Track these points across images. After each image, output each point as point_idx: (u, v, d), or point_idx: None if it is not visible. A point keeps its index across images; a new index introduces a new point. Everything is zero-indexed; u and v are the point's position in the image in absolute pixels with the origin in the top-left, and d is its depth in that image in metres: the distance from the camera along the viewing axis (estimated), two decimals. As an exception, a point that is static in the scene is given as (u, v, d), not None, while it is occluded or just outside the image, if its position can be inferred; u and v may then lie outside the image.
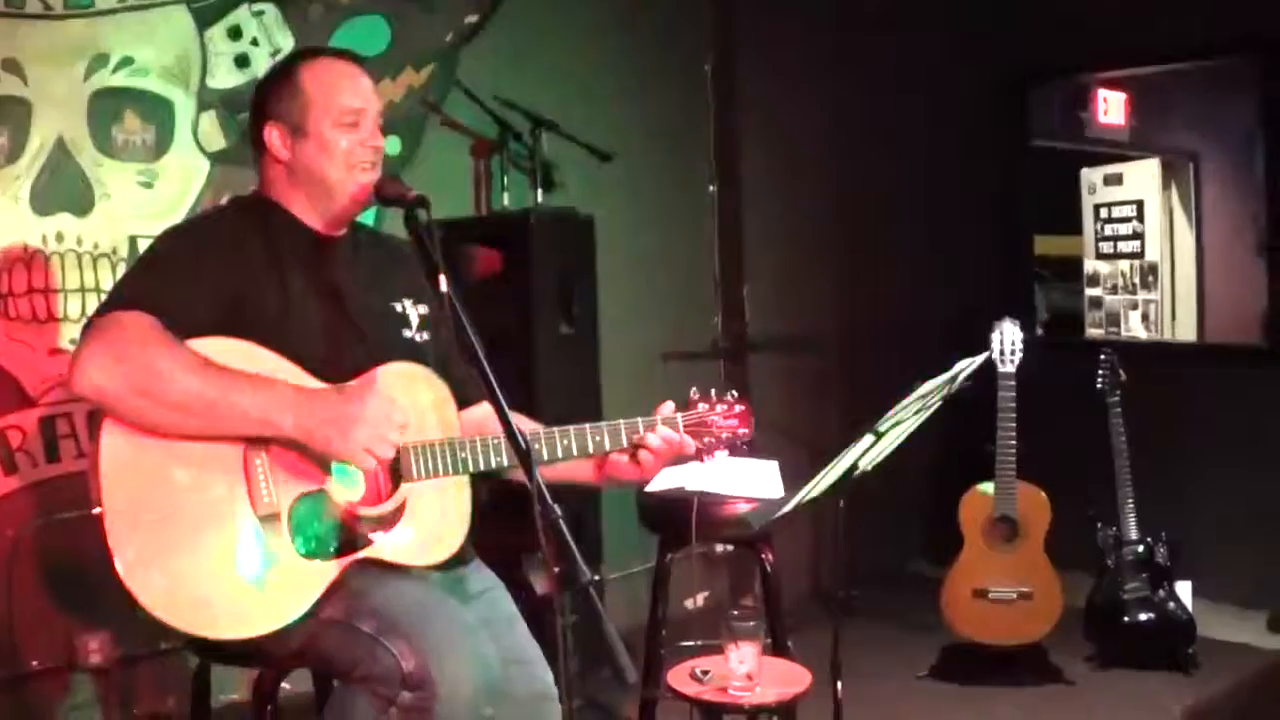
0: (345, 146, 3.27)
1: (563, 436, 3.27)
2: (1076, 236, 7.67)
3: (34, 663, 4.78)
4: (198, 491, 2.99)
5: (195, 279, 3.10)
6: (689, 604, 6.31)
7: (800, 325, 7.13)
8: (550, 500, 2.72)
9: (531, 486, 2.72)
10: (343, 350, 3.23)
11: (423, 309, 3.46)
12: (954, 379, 3.91)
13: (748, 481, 4.64)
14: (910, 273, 7.33)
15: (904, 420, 3.92)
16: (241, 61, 5.28)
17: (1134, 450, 5.71)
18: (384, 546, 3.14)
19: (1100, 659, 5.86)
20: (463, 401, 3.39)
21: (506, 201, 5.67)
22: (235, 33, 5.29)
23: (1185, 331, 7.29)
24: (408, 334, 3.41)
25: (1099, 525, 5.77)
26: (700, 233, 6.98)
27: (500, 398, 2.87)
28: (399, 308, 3.43)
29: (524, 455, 2.82)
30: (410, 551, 3.17)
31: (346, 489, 3.12)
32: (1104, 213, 7.52)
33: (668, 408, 3.37)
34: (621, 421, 3.32)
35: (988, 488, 5.72)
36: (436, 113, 5.73)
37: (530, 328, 5.18)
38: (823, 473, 3.92)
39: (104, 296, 3.31)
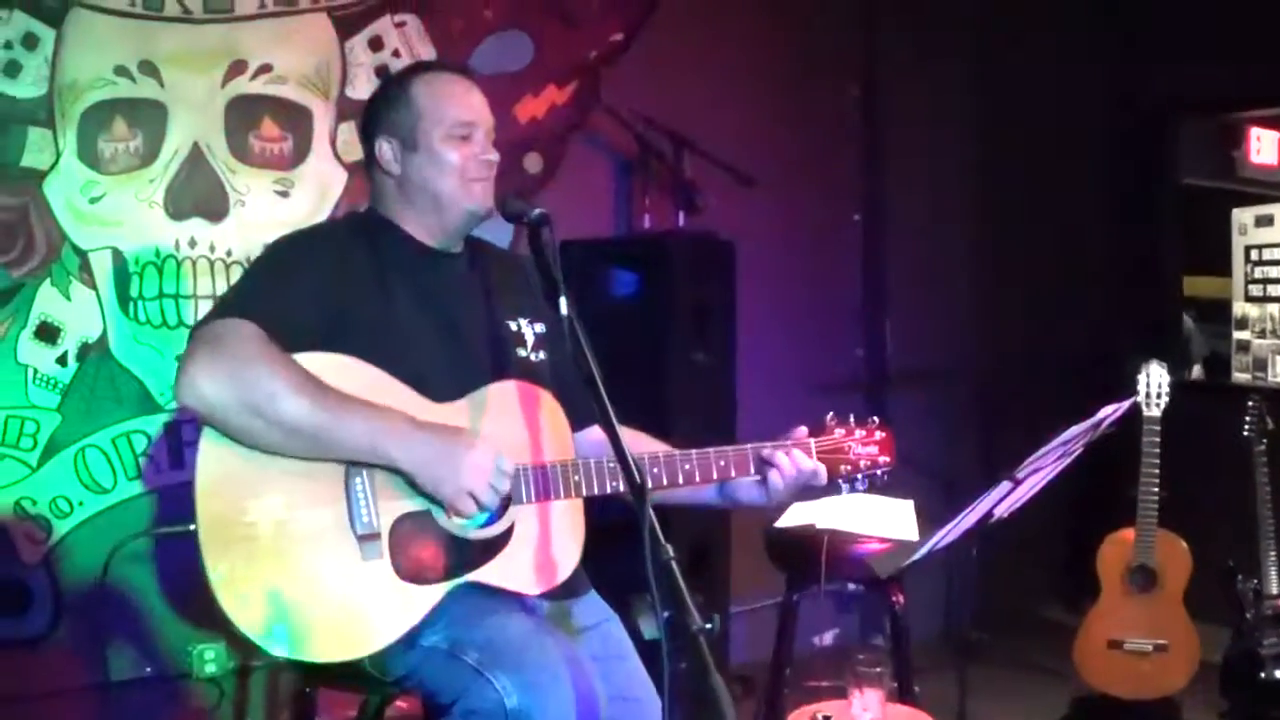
0: (457, 160, 3.13)
1: (684, 461, 3.08)
2: (1225, 278, 7.41)
3: (149, 669, 4.74)
4: (295, 509, 2.83)
5: (301, 290, 2.97)
6: (816, 641, 6.10)
7: (940, 360, 6.87)
8: (663, 539, 2.50)
9: (642, 523, 2.53)
10: (452, 368, 3.07)
11: (540, 327, 3.29)
12: (1097, 425, 3.63)
13: (881, 520, 4.43)
14: (1052, 309, 7.03)
15: (1043, 468, 3.64)
16: (382, 72, 5.13)
17: (1278, 501, 5.36)
18: (490, 572, 2.94)
19: (1236, 716, 5.47)
20: (581, 423, 3.22)
21: (647, 222, 5.54)
22: (376, 43, 5.18)
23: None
24: (522, 353, 3.23)
25: (1239, 577, 5.40)
26: (842, 262, 6.79)
27: (614, 423, 2.69)
28: (514, 326, 3.25)
29: (637, 488, 2.63)
30: (518, 578, 2.97)
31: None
32: (1255, 254, 7.24)
33: (800, 432, 3.18)
34: (749, 446, 3.13)
35: (1127, 534, 5.40)
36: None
37: (665, 353, 4.98)
38: (957, 519, 3.67)
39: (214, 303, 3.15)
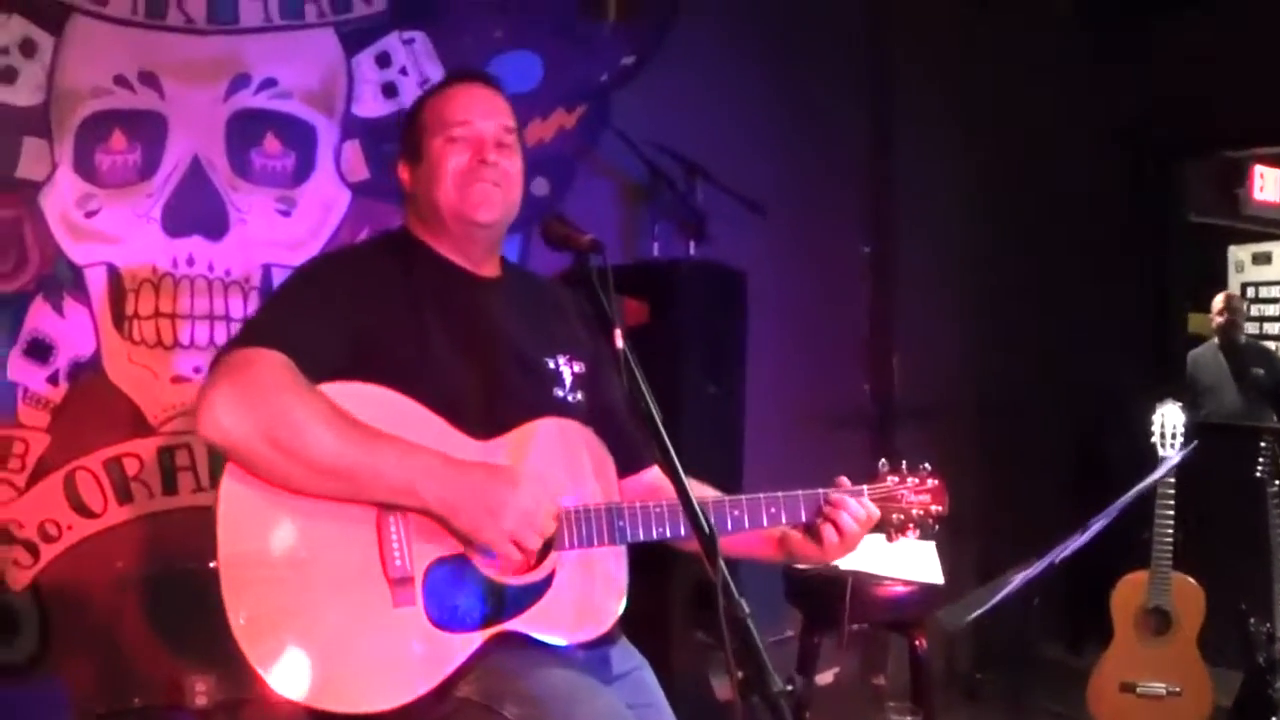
0: (454, 164, 2.91)
1: (734, 507, 2.87)
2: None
3: (137, 700, 4.54)
4: (324, 549, 2.60)
5: (332, 317, 2.74)
6: (817, 679, 5.89)
7: (946, 395, 6.75)
8: (737, 594, 2.28)
9: (716, 577, 2.33)
10: (489, 402, 2.84)
11: (579, 367, 3.05)
12: (1165, 474, 3.48)
13: (903, 563, 4.25)
14: (1060, 345, 6.93)
15: (1109, 515, 3.48)
16: (389, 90, 4.99)
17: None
18: (529, 621, 2.72)
19: (1245, 761, 5.41)
20: (625, 469, 3.02)
21: (656, 250, 5.37)
22: (384, 60, 5.01)
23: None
24: (559, 394, 3.00)
25: (1251, 620, 5.30)
26: (851, 294, 6.68)
27: (678, 466, 2.48)
28: (552, 364, 3.02)
29: (708, 541, 2.41)
30: (558, 628, 2.75)
31: (490, 554, 2.70)
32: (1251, 292, 7.12)
33: (843, 481, 2.98)
34: (800, 493, 2.92)
35: (1141, 576, 5.32)
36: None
37: (675, 385, 4.76)
38: (1026, 570, 3.48)
39: (235, 328, 2.91)
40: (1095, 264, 7.04)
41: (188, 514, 4.58)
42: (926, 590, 4.41)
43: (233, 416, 2.54)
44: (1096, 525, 3.54)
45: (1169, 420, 5.22)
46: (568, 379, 3.01)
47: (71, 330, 4.47)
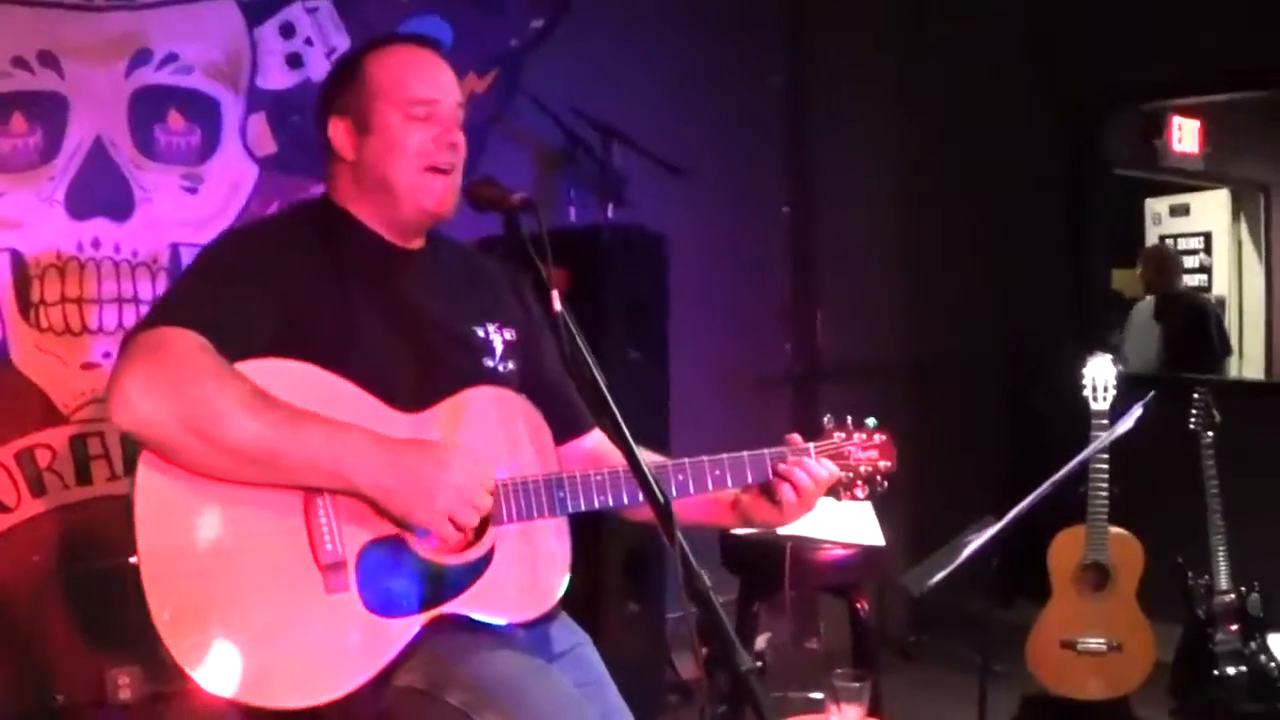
0: (415, 144, 2.72)
1: (677, 471, 2.73)
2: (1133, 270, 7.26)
3: (60, 697, 4.41)
4: (249, 537, 2.42)
5: (251, 292, 2.56)
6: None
7: (872, 352, 6.66)
8: (697, 568, 2.15)
9: (674, 549, 2.20)
10: (419, 375, 2.68)
11: (509, 334, 2.90)
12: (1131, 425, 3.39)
13: (842, 525, 4.13)
14: (984, 301, 6.82)
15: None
16: (294, 61, 4.85)
17: (1228, 494, 5.15)
18: (470, 601, 2.56)
19: (1186, 714, 5.28)
20: (561, 434, 2.87)
21: (573, 216, 5.27)
22: (288, 30, 4.86)
23: (1252, 369, 6.81)
24: (489, 363, 2.84)
25: (1189, 574, 5.21)
26: (772, 254, 6.59)
27: (625, 431, 2.36)
28: (481, 333, 2.86)
29: (662, 509, 2.28)
30: (501, 607, 2.60)
31: (426, 534, 2.55)
32: (1170, 244, 7.05)
33: (794, 439, 2.83)
34: (745, 454, 2.77)
35: (1078, 531, 5.18)
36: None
37: (598, 352, 4.60)
38: (983, 530, 3.36)
39: (146, 309, 2.71)
40: (1019, 219, 6.94)
41: (103, 503, 4.44)
42: (866, 552, 4.31)
43: (147, 402, 2.36)
44: (1057, 478, 3.42)
45: (1100, 373, 5.12)
46: (498, 347, 2.86)
47: None
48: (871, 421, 2.90)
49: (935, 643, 6.14)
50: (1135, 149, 6.96)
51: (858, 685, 3.46)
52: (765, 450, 2.78)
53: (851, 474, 2.85)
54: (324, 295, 2.63)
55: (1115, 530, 5.17)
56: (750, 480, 2.78)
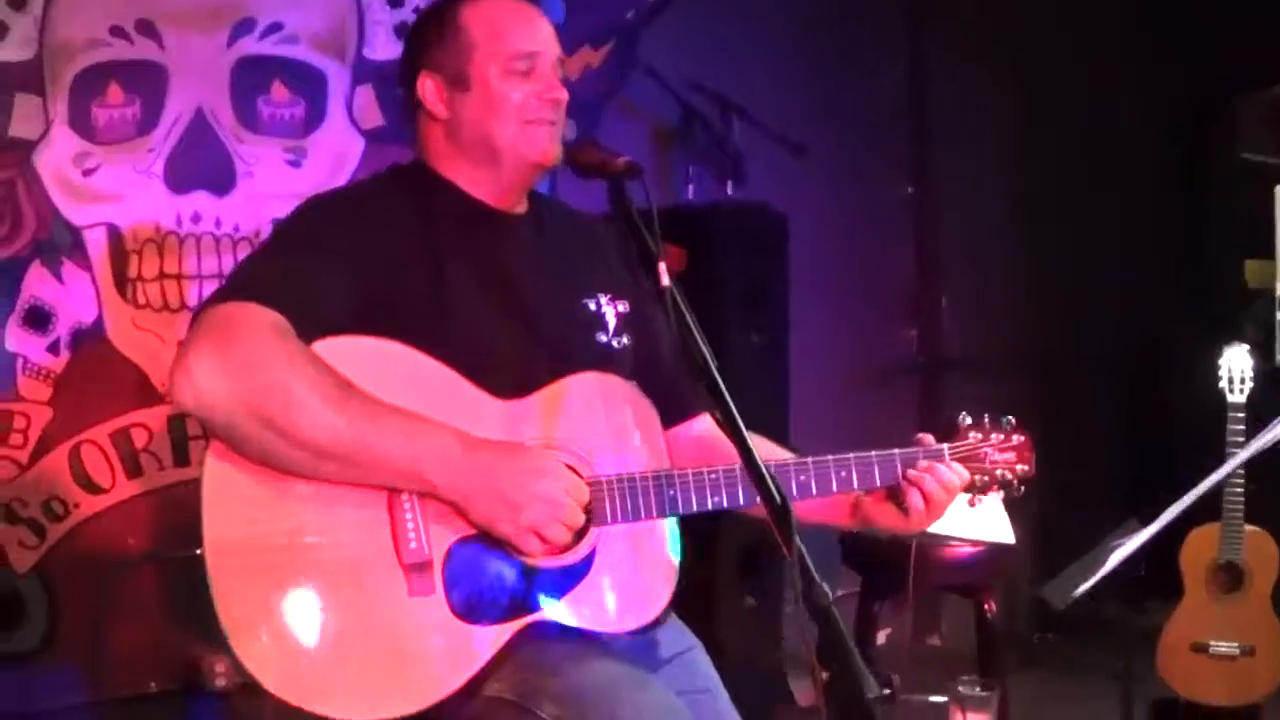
0: (517, 99, 2.50)
1: (799, 471, 2.48)
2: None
3: (152, 684, 4.31)
4: (326, 532, 2.21)
5: (333, 265, 2.35)
6: (869, 642, 5.64)
7: (998, 342, 6.52)
8: (819, 579, 1.90)
9: (792, 557, 1.93)
10: (518, 356, 2.46)
11: (622, 306, 2.66)
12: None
13: (971, 522, 3.88)
14: (1107, 293, 6.65)
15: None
16: (402, 31, 4.64)
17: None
18: (566, 609, 2.34)
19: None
20: (673, 418, 2.66)
21: (691, 194, 5.09)
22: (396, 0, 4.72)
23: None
24: (602, 339, 2.62)
25: (1324, 575, 5.09)
26: (895, 236, 6.44)
27: (740, 426, 2.14)
28: (592, 305, 2.63)
29: (781, 513, 2.03)
30: (600, 616, 2.37)
31: None
32: None
33: (927, 440, 2.60)
34: (874, 454, 2.53)
35: (1213, 530, 4.95)
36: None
37: (715, 336, 4.41)
38: (1131, 536, 3.10)
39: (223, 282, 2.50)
40: (1143, 209, 6.77)
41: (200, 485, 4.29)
42: (994, 551, 4.14)
43: (214, 385, 2.16)
44: (1215, 478, 3.19)
45: (1236, 364, 4.92)
46: (611, 321, 2.64)
47: (72, 296, 4.23)
48: (1009, 421, 2.67)
49: (1062, 644, 5.96)
50: (1265, 133, 6.66)
51: (985, 694, 3.24)
52: (895, 451, 2.54)
53: (987, 477, 2.63)
54: (415, 266, 2.43)
55: (1251, 529, 4.97)
56: (878, 483, 2.55)
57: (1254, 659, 4.93)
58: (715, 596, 4.41)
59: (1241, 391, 4.87)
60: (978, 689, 3.28)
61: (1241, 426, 4.86)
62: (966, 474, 2.58)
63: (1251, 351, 4.96)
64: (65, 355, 4.19)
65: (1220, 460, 4.80)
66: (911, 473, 2.52)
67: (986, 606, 4.13)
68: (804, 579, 1.94)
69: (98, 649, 4.21)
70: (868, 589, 4.23)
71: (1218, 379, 4.88)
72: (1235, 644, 4.93)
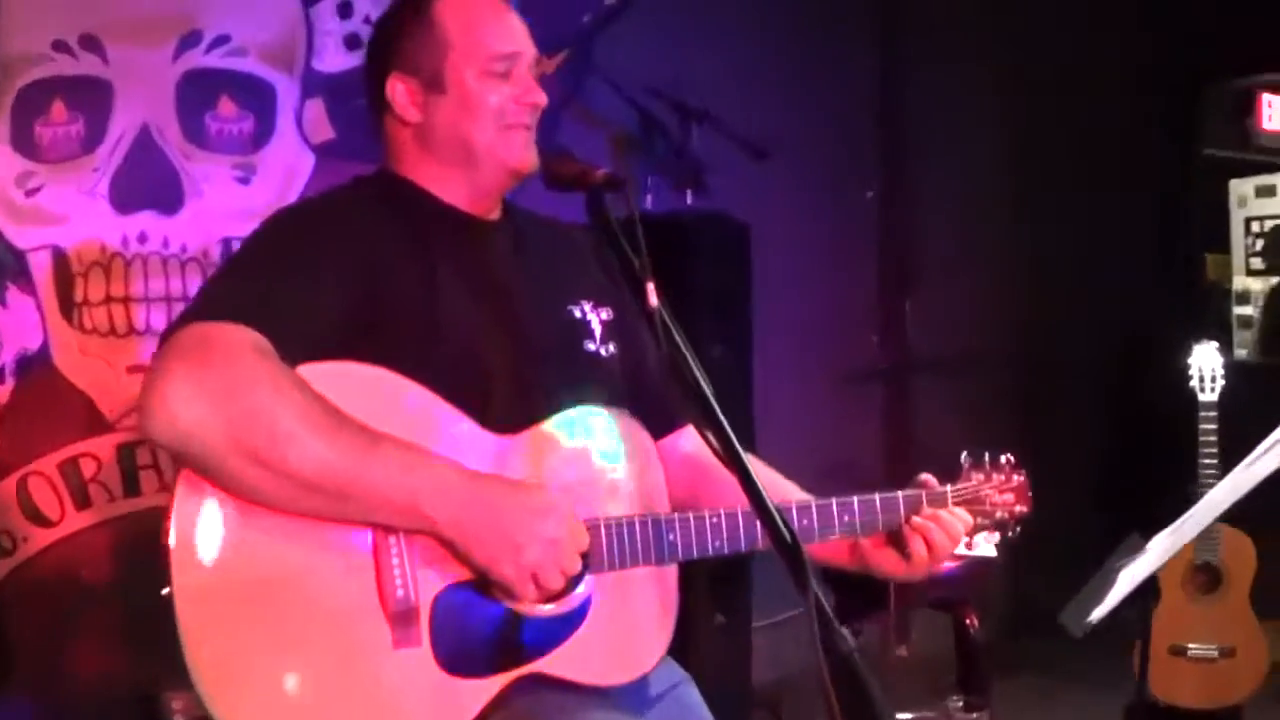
0: (495, 103, 2.38)
1: (801, 514, 2.40)
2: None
3: None
4: (306, 577, 2.07)
5: (313, 278, 2.21)
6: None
7: (965, 345, 6.49)
8: (838, 623, 1.81)
9: (809, 601, 1.85)
10: (516, 379, 2.34)
11: (605, 313, 2.55)
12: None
13: (955, 540, 3.81)
14: (1078, 290, 6.69)
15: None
16: (352, 42, 4.60)
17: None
18: (559, 661, 2.21)
19: (1301, 722, 5.20)
20: (660, 428, 2.55)
21: (650, 203, 4.95)
22: (345, 10, 4.63)
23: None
24: (590, 346, 2.50)
25: (1302, 574, 5.11)
26: (859, 242, 6.39)
27: (744, 462, 2.02)
28: (577, 312, 2.52)
29: (792, 554, 1.93)
30: (594, 668, 2.25)
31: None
32: (1256, 226, 6.72)
33: (928, 481, 2.57)
34: (877, 496, 2.47)
35: None
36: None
37: (676, 347, 4.36)
38: (1140, 558, 3.02)
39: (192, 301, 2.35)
40: (1115, 204, 6.80)
41: (154, 516, 4.10)
42: (976, 564, 4.08)
43: (190, 412, 2.00)
44: (1238, 495, 3.18)
45: (1206, 363, 4.96)
46: (597, 329, 2.53)
47: (16, 321, 4.12)
48: (1009, 459, 2.68)
49: (1035, 651, 5.86)
50: (1227, 128, 6.67)
51: (975, 716, 3.17)
52: (899, 493, 2.49)
53: (986, 519, 2.62)
54: (401, 274, 2.30)
55: (1226, 528, 5.00)
56: (881, 525, 2.48)
57: (1234, 660, 4.98)
58: (684, 614, 4.31)
59: (1213, 390, 4.93)
60: (968, 712, 3.19)
61: (1214, 426, 4.91)
62: (970, 519, 2.55)
63: (1219, 348, 5.01)
64: (10, 383, 4.07)
65: (1195, 461, 4.84)
66: (917, 520, 2.47)
67: (968, 620, 4.06)
68: (821, 622, 1.84)
69: (51, 684, 4.12)
70: (844, 606, 4.16)
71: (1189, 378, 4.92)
72: (1214, 646, 4.98)
